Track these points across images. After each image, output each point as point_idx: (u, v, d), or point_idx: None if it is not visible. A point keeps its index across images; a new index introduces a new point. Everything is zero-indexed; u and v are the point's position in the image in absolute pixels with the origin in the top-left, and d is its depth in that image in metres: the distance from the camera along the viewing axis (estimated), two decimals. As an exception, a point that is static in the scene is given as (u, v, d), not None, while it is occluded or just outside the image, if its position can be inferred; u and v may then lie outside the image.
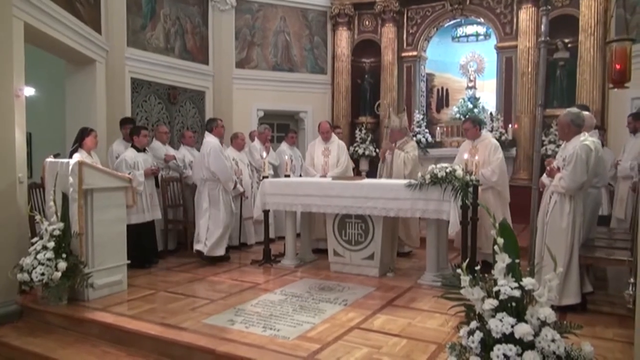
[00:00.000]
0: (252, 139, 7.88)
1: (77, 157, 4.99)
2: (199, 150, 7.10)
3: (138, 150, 5.93)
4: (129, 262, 4.91)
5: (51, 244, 4.32)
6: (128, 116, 7.03)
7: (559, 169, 4.10)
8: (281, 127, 9.81)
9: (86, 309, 4.29)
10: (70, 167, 4.45)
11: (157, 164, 6.28)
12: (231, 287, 5.01)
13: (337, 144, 6.67)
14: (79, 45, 6.17)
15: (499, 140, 7.31)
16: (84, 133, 5.40)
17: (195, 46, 8.75)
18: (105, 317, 4.08)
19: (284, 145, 7.43)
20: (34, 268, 4.24)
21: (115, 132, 7.08)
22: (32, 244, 4.44)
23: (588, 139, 4.02)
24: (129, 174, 5.60)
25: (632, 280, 3.32)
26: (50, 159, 4.78)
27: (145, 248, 5.87)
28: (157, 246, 6.28)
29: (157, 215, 6.05)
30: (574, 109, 4.23)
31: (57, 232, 4.37)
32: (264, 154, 6.51)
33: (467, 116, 8.47)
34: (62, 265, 4.25)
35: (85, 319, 4.11)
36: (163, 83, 8.15)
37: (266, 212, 6.06)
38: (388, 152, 6.26)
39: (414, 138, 9.09)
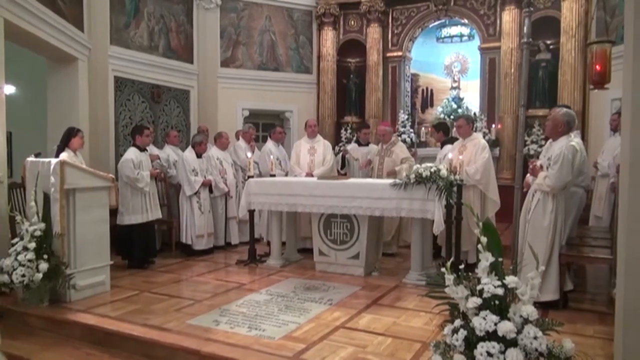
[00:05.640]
0: (238, 139, 7.84)
1: (63, 156, 4.94)
2: (183, 149, 7.07)
3: (140, 150, 5.90)
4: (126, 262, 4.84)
5: (32, 245, 4.25)
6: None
7: (541, 167, 4.16)
8: (266, 126, 9.76)
9: (68, 310, 4.23)
10: (52, 167, 4.37)
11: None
12: (216, 287, 4.98)
13: (322, 143, 6.71)
14: (60, 42, 6.07)
15: (482, 140, 7.42)
16: (71, 133, 5.37)
17: (179, 45, 8.68)
18: (88, 319, 4.02)
19: (269, 144, 7.36)
20: (14, 269, 4.17)
21: (99, 131, 7.00)
22: (13, 245, 4.36)
23: (574, 139, 4.09)
24: (138, 174, 5.62)
25: (615, 280, 3.38)
26: (31, 159, 4.70)
27: (147, 247, 5.91)
28: (156, 245, 6.31)
29: (158, 214, 6.04)
30: (570, 110, 4.28)
31: (38, 233, 4.30)
32: (249, 154, 6.47)
33: (452, 115, 8.55)
34: (44, 266, 4.18)
35: (67, 320, 4.05)
36: (147, 82, 8.06)
37: (251, 212, 6.04)
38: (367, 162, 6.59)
39: (399, 138, 9.18)
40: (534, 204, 4.17)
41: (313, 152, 6.62)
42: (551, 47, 8.30)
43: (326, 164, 6.54)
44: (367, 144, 7.10)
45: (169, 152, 7.11)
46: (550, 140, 4.33)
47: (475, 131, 8.39)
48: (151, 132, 6.47)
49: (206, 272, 5.68)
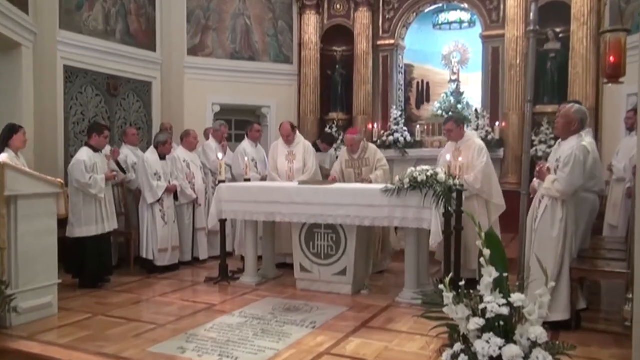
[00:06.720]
0: (207, 138, 7.80)
1: (3, 157, 4.88)
2: (143, 150, 6.99)
3: (94, 150, 5.84)
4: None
5: (-34, 261, 4.17)
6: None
7: (549, 170, 4.20)
8: (240, 124, 9.74)
9: (8, 337, 4.16)
10: (-10, 170, 4.30)
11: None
12: (182, 309, 4.95)
13: (302, 146, 6.62)
14: (1, 26, 5.98)
15: (485, 140, 7.46)
16: (12, 130, 5.31)
17: (140, 29, 8.61)
18: (32, 347, 3.96)
19: (245, 143, 7.32)
20: (-56, 290, 4.09)
21: (45, 129, 6.90)
22: (-57, 262, 4.27)
23: (585, 139, 4.15)
24: (90, 178, 5.54)
25: (630, 295, 3.42)
26: (-35, 161, 4.62)
27: (102, 263, 5.84)
28: (112, 261, 6.26)
29: (114, 225, 6.01)
30: (583, 107, 4.33)
31: (-27, 247, 4.23)
32: (220, 155, 6.44)
33: (448, 115, 8.61)
34: (-21, 286, 4.11)
35: (7, 349, 3.98)
36: (102, 72, 7.98)
37: (223, 222, 6.01)
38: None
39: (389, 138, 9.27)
40: (541, 212, 4.21)
41: (292, 159, 6.56)
42: (561, 35, 8.44)
43: (307, 171, 6.48)
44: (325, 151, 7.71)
45: (127, 153, 7.02)
46: (559, 140, 4.39)
47: (477, 129, 8.51)
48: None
49: (170, 291, 5.64)
